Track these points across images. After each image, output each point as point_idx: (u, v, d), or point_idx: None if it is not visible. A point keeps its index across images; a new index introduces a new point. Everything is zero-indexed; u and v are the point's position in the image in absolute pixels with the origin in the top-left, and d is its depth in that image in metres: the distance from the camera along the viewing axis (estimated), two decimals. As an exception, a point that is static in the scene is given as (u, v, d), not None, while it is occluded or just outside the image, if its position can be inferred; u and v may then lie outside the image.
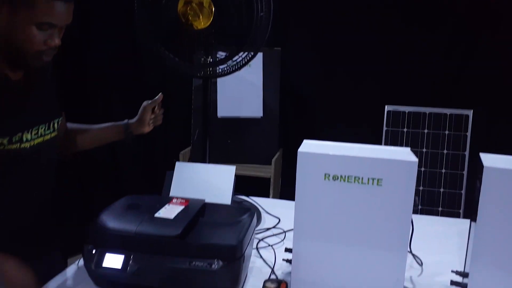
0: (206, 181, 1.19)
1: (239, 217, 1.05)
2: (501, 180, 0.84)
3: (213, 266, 0.88)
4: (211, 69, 1.21)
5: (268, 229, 1.35)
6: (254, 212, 1.07)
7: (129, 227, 0.93)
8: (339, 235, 0.94)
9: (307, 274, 0.97)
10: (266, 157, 2.43)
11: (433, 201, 2.24)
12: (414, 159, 0.89)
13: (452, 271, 1.00)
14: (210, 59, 1.18)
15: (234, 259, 0.89)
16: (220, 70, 1.21)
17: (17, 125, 1.03)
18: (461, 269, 1.01)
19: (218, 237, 0.92)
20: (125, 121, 1.41)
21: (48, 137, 1.13)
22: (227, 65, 1.17)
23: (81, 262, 1.07)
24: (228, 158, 2.39)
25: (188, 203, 1.07)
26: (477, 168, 0.91)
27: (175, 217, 0.98)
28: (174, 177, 1.20)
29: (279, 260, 1.14)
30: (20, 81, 1.07)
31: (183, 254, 0.90)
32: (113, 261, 0.91)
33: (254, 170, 2.39)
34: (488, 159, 0.89)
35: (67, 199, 2.41)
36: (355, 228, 0.93)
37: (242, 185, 1.46)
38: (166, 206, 1.05)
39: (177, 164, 1.23)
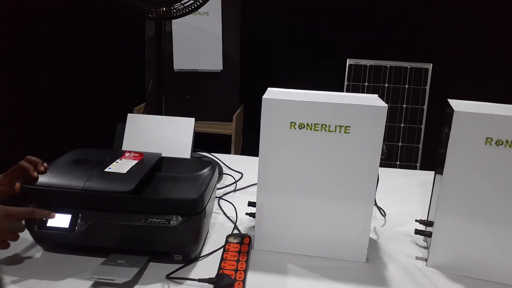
0: (162, 134, 1.10)
1: (199, 171, 0.98)
2: (471, 124, 0.82)
3: (171, 222, 0.81)
4: (164, 8, 1.09)
5: (231, 184, 1.30)
6: (216, 166, 1.01)
7: (75, 183, 0.84)
8: (305, 186, 0.89)
9: (270, 227, 0.93)
10: (227, 113, 2.34)
11: (391, 155, 2.27)
12: (383, 104, 0.84)
13: (416, 220, 0.99)
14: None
15: (195, 214, 0.83)
16: (175, 10, 1.09)
17: None
18: (424, 218, 1.01)
19: (176, 191, 0.85)
20: None
21: None
22: (182, 4, 1.05)
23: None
24: (186, 115, 2.28)
25: (143, 157, 0.99)
26: (445, 113, 0.88)
27: (128, 171, 0.89)
28: (126, 129, 1.11)
29: (241, 215, 1.10)
30: None
31: (138, 210, 0.82)
32: (59, 220, 0.82)
33: (214, 127, 2.31)
34: (457, 104, 0.86)
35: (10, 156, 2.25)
36: (322, 178, 0.88)
37: (202, 142, 1.38)
38: (118, 160, 0.95)
39: (129, 116, 1.12)
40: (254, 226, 1.03)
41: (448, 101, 0.89)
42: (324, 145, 0.86)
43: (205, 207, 0.86)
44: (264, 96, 0.87)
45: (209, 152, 1.47)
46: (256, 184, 1.26)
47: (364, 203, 0.88)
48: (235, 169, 1.41)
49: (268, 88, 0.96)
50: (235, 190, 1.26)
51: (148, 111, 2.35)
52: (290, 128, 0.87)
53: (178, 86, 2.33)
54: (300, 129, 0.86)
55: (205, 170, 0.98)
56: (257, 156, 0.91)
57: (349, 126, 0.85)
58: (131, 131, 1.10)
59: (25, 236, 0.87)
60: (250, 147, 2.50)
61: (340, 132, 0.85)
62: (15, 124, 2.37)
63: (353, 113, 0.84)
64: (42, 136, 2.52)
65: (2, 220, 0.77)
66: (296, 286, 0.83)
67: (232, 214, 1.11)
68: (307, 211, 0.91)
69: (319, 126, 0.86)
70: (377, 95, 0.95)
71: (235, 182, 1.32)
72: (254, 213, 0.99)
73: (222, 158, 1.48)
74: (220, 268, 0.83)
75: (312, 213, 0.91)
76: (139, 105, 2.43)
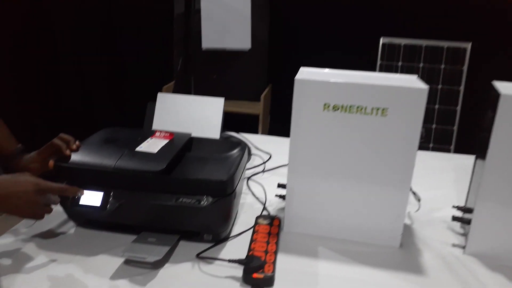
0: (192, 114, 1.09)
1: (229, 151, 0.96)
2: (519, 109, 0.76)
3: (202, 202, 0.80)
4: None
5: (259, 165, 1.28)
6: (245, 146, 0.99)
7: (107, 162, 0.84)
8: (338, 169, 0.87)
9: (301, 210, 0.91)
10: (255, 93, 2.32)
11: (425, 137, 2.20)
12: (424, 86, 0.80)
13: (454, 207, 0.95)
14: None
15: (225, 195, 0.82)
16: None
17: None
18: (459, 204, 0.97)
19: (207, 172, 0.84)
20: (19, 146, 0.96)
21: None
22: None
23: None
24: (214, 94, 2.26)
25: (173, 136, 0.98)
26: (491, 96, 0.83)
27: (159, 151, 0.89)
28: (156, 109, 1.10)
29: (270, 196, 1.09)
30: None
31: (168, 190, 0.82)
32: (91, 198, 0.83)
33: (242, 107, 2.29)
34: (504, 87, 0.81)
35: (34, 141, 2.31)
36: (356, 162, 0.85)
37: (229, 122, 1.37)
38: (149, 140, 0.95)
39: (159, 95, 1.12)
40: (283, 208, 1.01)
41: (493, 83, 0.84)
42: (359, 128, 0.83)
43: (235, 188, 0.85)
44: (297, 77, 0.84)
45: (237, 132, 1.46)
46: (285, 165, 1.24)
47: (400, 188, 0.85)
48: (264, 150, 1.39)
49: (301, 68, 0.93)
50: (264, 171, 1.25)
51: (177, 90, 2.34)
52: (324, 110, 0.84)
53: (206, 65, 2.31)
54: (334, 111, 0.83)
55: (235, 150, 0.97)
56: (286, 136, 0.89)
57: (387, 109, 0.81)
58: (161, 110, 1.09)
59: (59, 210, 0.88)
60: (277, 127, 2.48)
61: (377, 114, 0.82)
62: (38, 105, 2.43)
63: (391, 95, 0.80)
64: (66, 116, 2.57)
65: (34, 194, 0.78)
66: (327, 270, 0.81)
67: (261, 195, 1.10)
68: (339, 195, 0.88)
69: (354, 108, 0.82)
70: (416, 75, 0.90)
71: (264, 162, 1.31)
72: (284, 195, 0.98)
73: (250, 138, 1.46)
74: (250, 249, 0.83)
75: (345, 196, 0.88)
76: (166, 84, 2.43)
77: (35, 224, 0.93)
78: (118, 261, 0.81)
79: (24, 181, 0.78)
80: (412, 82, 0.84)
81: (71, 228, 0.92)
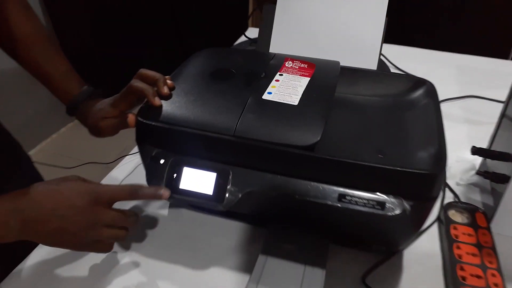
0: (331, 27, 0.69)
1: (406, 95, 0.58)
2: None
3: (387, 208, 0.45)
4: None
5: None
6: (434, 88, 0.59)
7: (222, 121, 0.49)
8: None
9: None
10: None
11: None
12: None
13: None
14: None
15: (429, 199, 0.46)
16: None
17: None
18: None
19: (394, 150, 0.47)
20: (85, 88, 0.62)
21: None
22: None
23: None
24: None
25: (314, 69, 0.60)
26: None
27: (301, 101, 0.52)
28: (276, 18, 0.70)
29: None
30: None
31: (322, 176, 0.47)
32: (197, 181, 0.51)
33: None
34: None
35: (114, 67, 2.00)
36: None
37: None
38: (278, 76, 0.58)
39: (280, -7, 0.71)
40: (477, 185, 0.65)
41: None
42: None
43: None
44: None
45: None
46: (450, 100, 0.86)
47: None
48: (404, 69, 0.97)
49: None
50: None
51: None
52: None
53: None
54: None
55: (418, 93, 0.57)
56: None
57: None
58: (284, 20, 0.70)
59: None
60: (393, 30, 1.95)
61: None
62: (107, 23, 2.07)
63: None
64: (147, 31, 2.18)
65: (91, 210, 0.46)
66: None
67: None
68: None
69: None
70: None
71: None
72: (494, 172, 0.60)
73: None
74: (456, 280, 0.49)
75: None
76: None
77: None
78: (239, 277, 0.51)
79: (71, 190, 0.46)
80: None
81: (161, 207, 0.63)
